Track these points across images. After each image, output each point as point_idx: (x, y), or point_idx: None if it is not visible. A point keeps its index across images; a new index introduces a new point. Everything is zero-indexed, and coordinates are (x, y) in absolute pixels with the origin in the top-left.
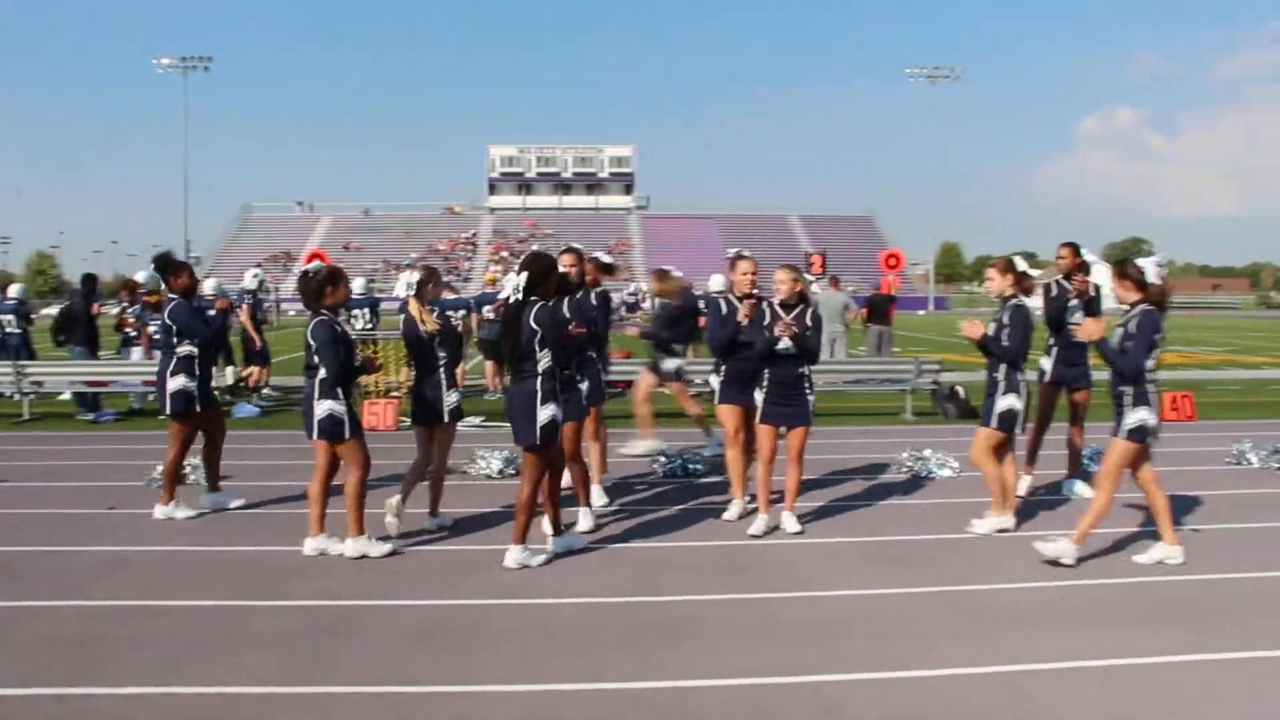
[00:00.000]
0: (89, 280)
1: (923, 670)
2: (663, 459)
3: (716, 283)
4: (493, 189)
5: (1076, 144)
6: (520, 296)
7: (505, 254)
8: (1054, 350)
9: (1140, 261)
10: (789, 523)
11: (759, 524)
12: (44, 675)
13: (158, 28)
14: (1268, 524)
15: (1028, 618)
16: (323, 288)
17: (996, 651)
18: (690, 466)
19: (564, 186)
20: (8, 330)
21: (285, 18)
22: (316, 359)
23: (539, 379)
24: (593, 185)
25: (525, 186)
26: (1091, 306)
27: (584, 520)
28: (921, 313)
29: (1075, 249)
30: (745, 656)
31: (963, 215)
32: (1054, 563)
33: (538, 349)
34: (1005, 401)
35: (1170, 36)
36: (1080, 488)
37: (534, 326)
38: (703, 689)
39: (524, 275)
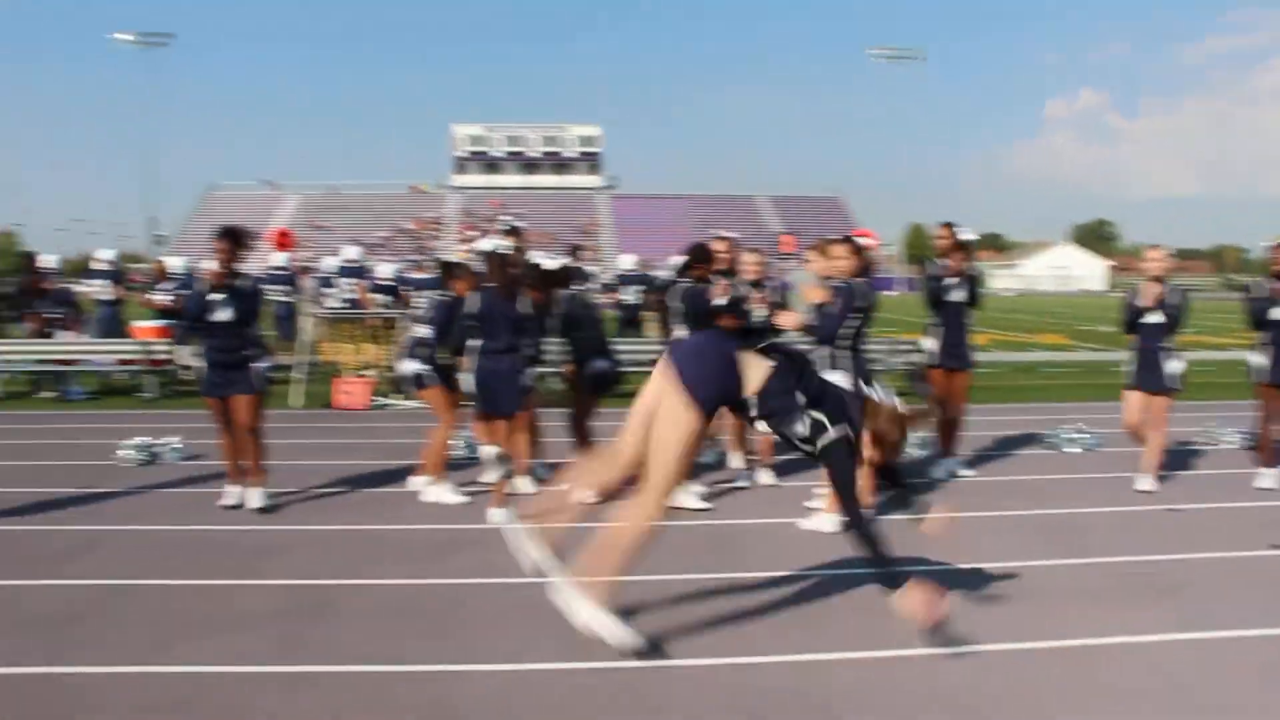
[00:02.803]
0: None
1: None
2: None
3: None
4: (460, 168)
5: (1044, 127)
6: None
7: (473, 233)
8: (934, 331)
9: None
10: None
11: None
12: (26, 655)
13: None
14: None
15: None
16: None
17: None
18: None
19: (531, 165)
20: None
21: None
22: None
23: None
24: (560, 165)
25: (492, 165)
26: (972, 286)
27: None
28: (891, 293)
29: (951, 228)
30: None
31: (931, 197)
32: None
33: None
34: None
35: (1136, 23)
36: (952, 464)
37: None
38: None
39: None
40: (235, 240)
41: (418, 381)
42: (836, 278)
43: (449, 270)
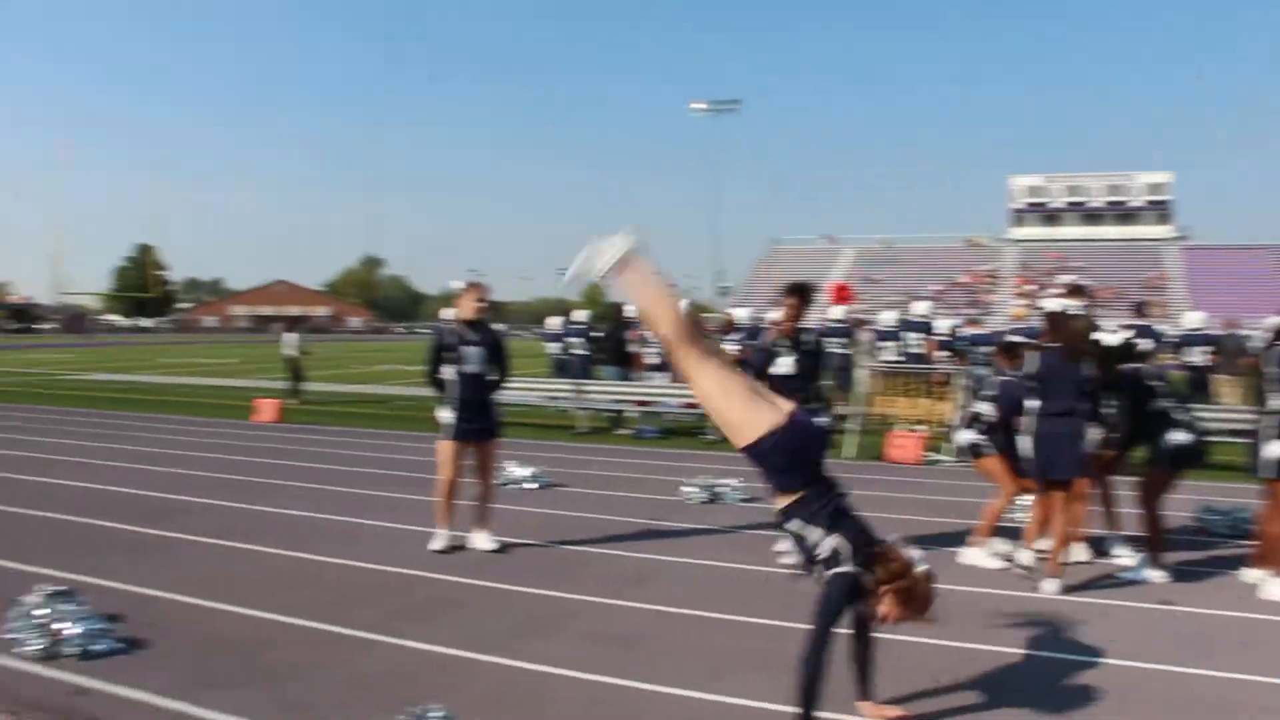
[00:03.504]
0: (621, 307)
1: None
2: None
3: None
4: (1017, 220)
5: None
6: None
7: (1029, 287)
8: None
9: None
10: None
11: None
12: (596, 664)
13: (692, 74)
14: None
15: None
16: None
17: None
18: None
19: (1093, 216)
20: (573, 352)
21: (807, 60)
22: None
23: None
24: (1125, 215)
25: (1051, 217)
26: None
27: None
28: None
29: None
30: None
31: None
32: None
33: None
34: None
35: None
36: None
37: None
38: None
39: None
40: (803, 296)
41: (974, 451)
42: None
43: (1008, 349)
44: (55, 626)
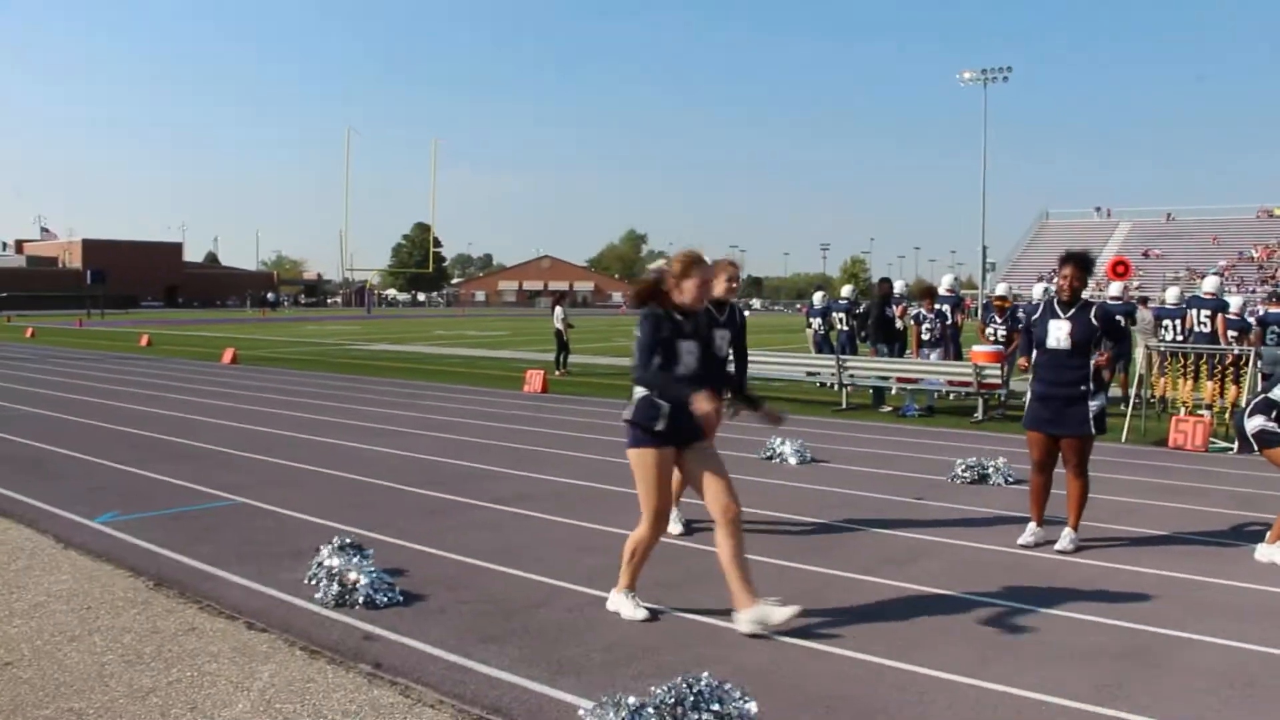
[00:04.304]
0: (884, 283)
1: None
2: None
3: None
4: None
5: None
6: None
7: None
8: None
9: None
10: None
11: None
12: (871, 645)
13: (959, 42)
14: None
15: None
16: None
17: None
18: None
19: None
20: (838, 327)
21: (1081, 25)
22: None
23: None
24: None
25: None
26: None
27: None
28: None
29: None
30: None
31: None
32: None
33: None
34: None
35: None
36: None
37: None
38: None
39: None
40: (1080, 265)
41: (1261, 439)
42: None
43: None
44: (349, 576)
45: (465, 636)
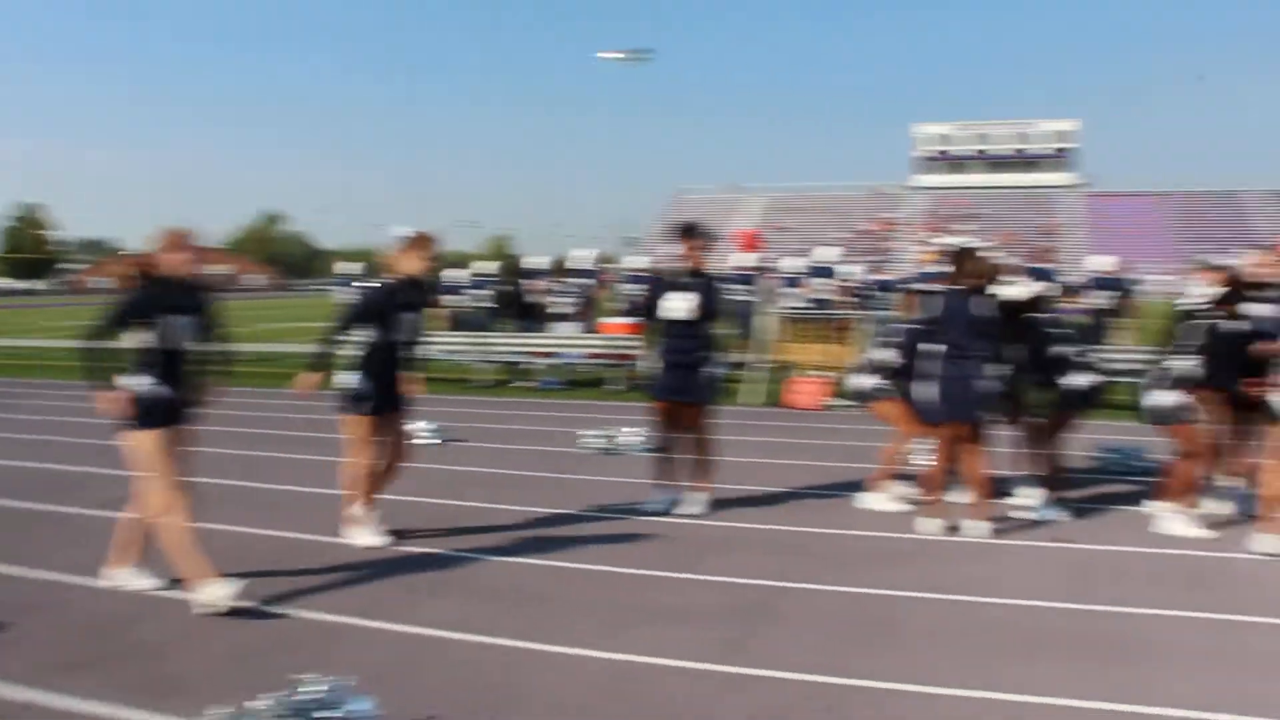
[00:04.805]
0: (514, 259)
1: None
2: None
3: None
4: (922, 168)
5: None
6: None
7: (932, 234)
8: None
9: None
10: None
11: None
12: (468, 623)
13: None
14: None
15: None
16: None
17: None
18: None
19: (998, 164)
20: (474, 305)
21: (717, 8)
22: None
23: None
24: (1029, 162)
25: (957, 164)
26: None
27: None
28: None
29: None
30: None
31: None
32: None
33: None
34: None
35: None
36: None
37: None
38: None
39: None
40: (694, 236)
41: (871, 395)
42: None
43: (914, 294)
44: None
45: (43, 666)
